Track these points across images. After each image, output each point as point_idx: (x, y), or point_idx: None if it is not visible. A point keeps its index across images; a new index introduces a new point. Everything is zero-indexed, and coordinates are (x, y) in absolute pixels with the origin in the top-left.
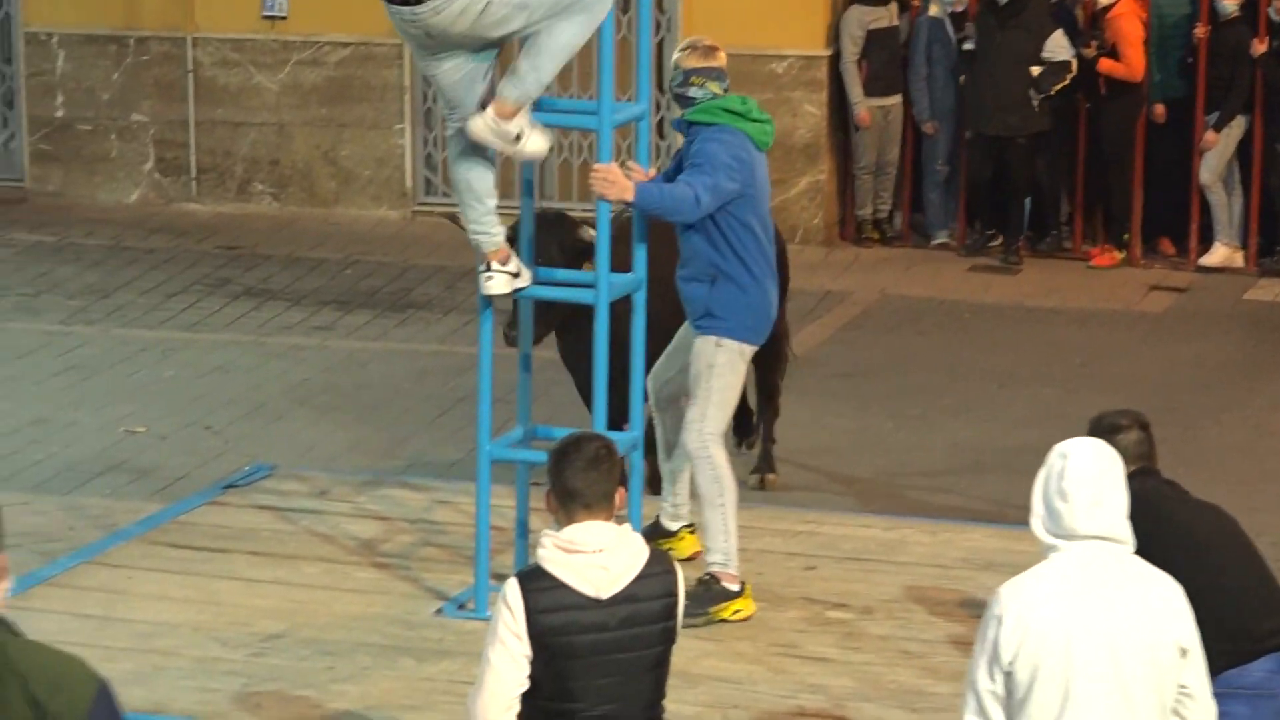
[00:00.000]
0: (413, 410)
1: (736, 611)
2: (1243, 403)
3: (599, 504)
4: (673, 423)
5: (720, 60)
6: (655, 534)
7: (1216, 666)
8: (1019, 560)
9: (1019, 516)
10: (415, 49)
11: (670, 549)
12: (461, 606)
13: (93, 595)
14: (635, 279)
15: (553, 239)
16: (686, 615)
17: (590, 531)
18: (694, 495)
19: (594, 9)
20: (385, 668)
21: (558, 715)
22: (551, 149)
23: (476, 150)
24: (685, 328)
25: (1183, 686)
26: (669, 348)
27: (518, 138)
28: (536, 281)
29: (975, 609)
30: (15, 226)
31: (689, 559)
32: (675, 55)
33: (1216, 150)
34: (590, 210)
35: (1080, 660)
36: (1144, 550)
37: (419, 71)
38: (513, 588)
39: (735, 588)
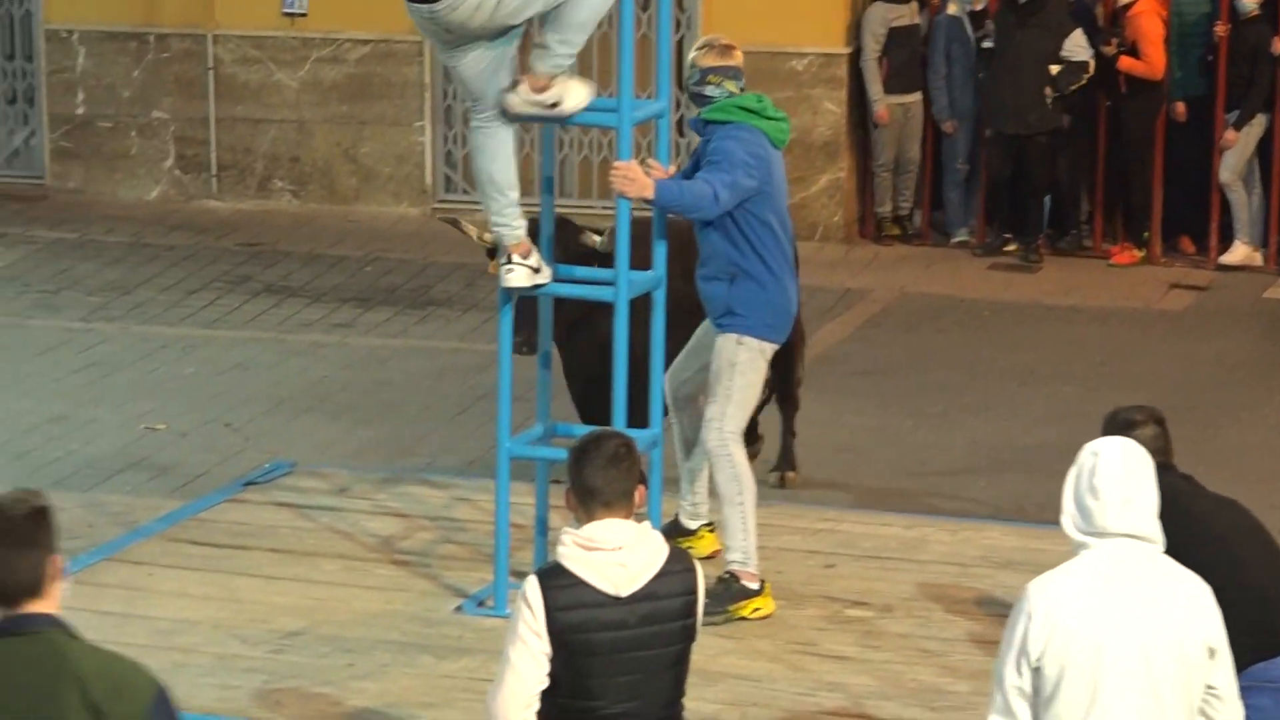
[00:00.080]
0: (432, 407)
1: (756, 610)
2: (1263, 401)
3: (619, 502)
4: (690, 421)
5: (737, 59)
6: (674, 532)
7: (1241, 661)
8: (1038, 559)
9: (1039, 515)
10: (436, 43)
11: (689, 547)
12: (481, 604)
13: (113, 592)
14: (655, 276)
15: (556, 243)
16: (706, 613)
17: (610, 529)
18: (713, 494)
19: None
20: (405, 665)
21: (578, 713)
22: (571, 146)
23: (498, 143)
24: (704, 327)
25: (1210, 687)
26: (687, 346)
27: (556, 104)
28: (556, 279)
29: (994, 607)
30: (36, 223)
31: (708, 557)
32: (692, 54)
33: (1236, 149)
34: (610, 208)
35: (1110, 658)
36: (1165, 546)
37: (439, 67)
38: (532, 585)
39: (755, 586)
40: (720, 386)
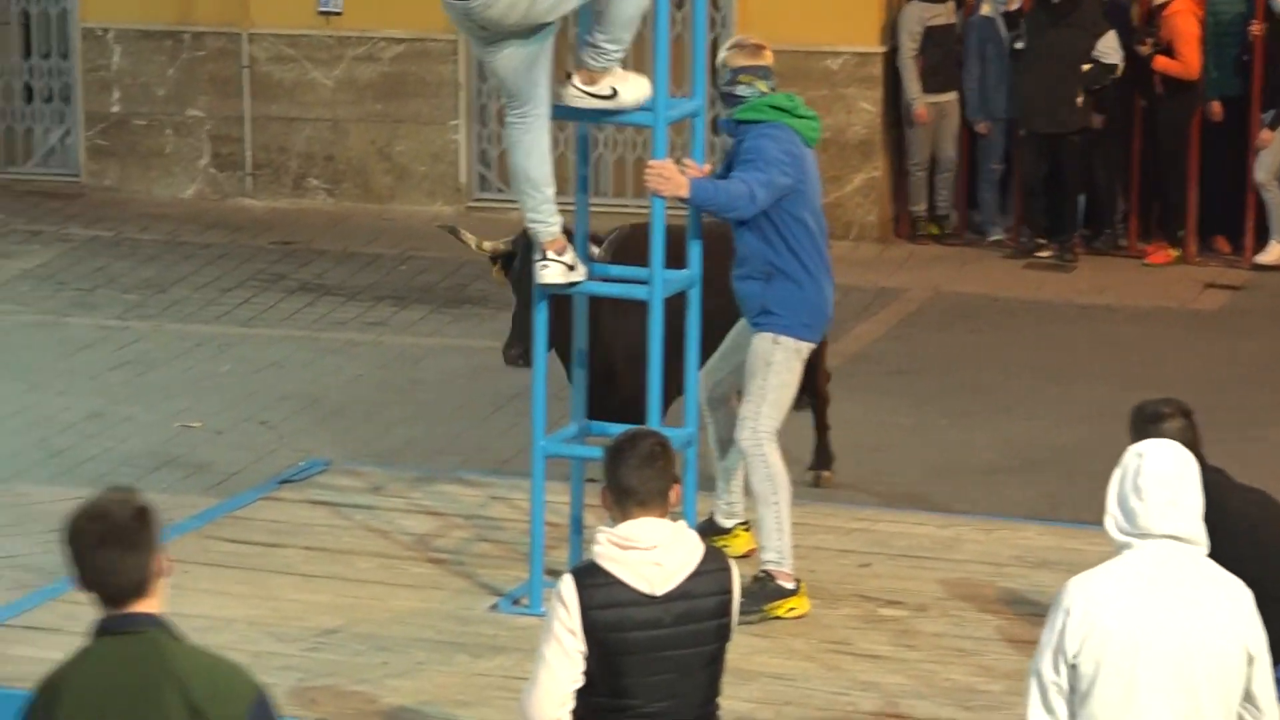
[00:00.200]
0: (467, 406)
1: (791, 609)
2: None
3: (654, 501)
4: (726, 421)
5: (767, 58)
6: (709, 531)
7: (1276, 653)
8: (1073, 558)
9: (1073, 514)
10: (471, 39)
11: (724, 546)
12: (516, 602)
13: None
14: (690, 275)
15: None
16: (741, 612)
17: (645, 528)
18: (748, 492)
19: None
20: (440, 663)
21: (613, 712)
22: (605, 145)
23: (533, 139)
24: (739, 327)
25: (1248, 694)
26: (722, 346)
27: (612, 95)
28: (591, 277)
29: (1029, 607)
30: (72, 221)
31: (743, 556)
32: (722, 54)
33: (1272, 148)
34: (644, 207)
35: (1146, 658)
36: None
37: (474, 66)
38: (567, 584)
39: (790, 586)
40: (754, 385)
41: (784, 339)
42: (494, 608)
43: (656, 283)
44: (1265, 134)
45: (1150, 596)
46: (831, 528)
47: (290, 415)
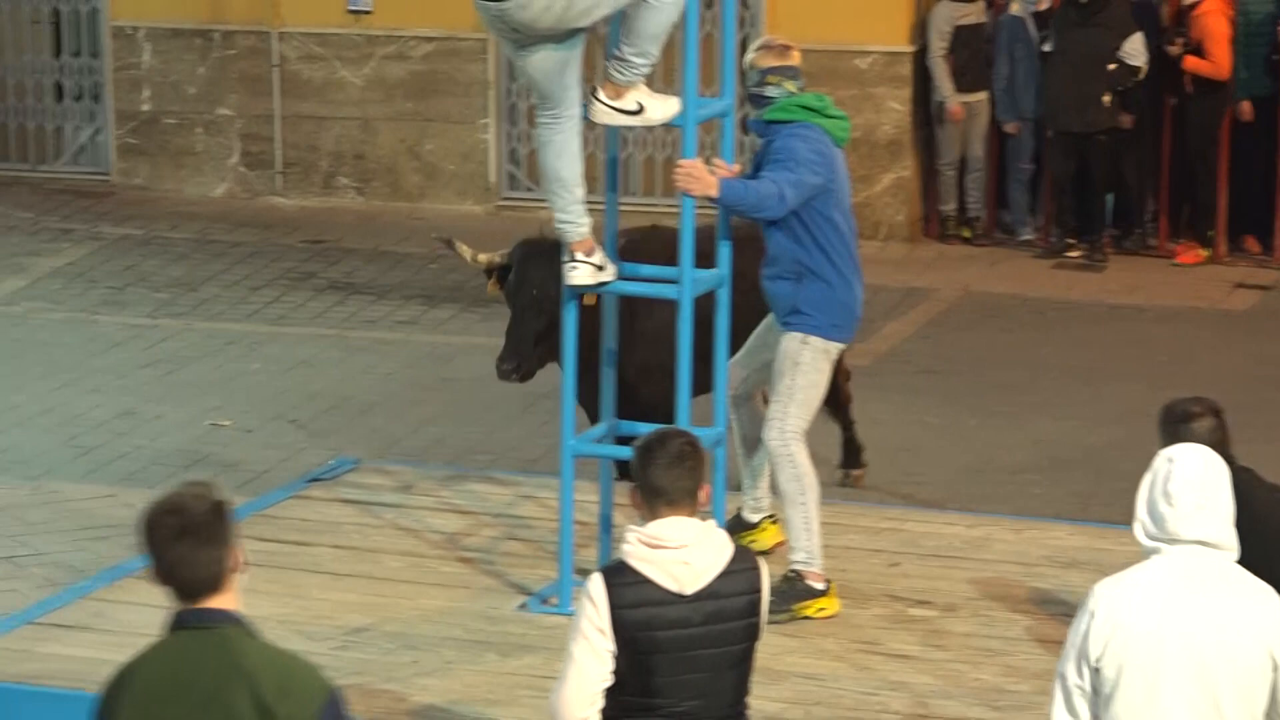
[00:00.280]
0: (496, 405)
1: (820, 610)
2: None
3: (683, 500)
4: (750, 419)
5: (795, 59)
6: (737, 526)
7: None
8: (1103, 559)
9: (1103, 514)
10: (504, 42)
11: (752, 540)
12: (545, 601)
13: None
14: (719, 275)
15: (549, 269)
16: (770, 611)
17: (674, 527)
18: (774, 490)
19: None
20: (469, 662)
21: (641, 711)
22: (635, 145)
23: (564, 139)
24: (765, 325)
25: (1275, 699)
26: (746, 345)
27: (638, 110)
28: (621, 277)
29: (1058, 607)
30: (102, 220)
31: (771, 550)
32: (749, 55)
33: None
34: (673, 206)
35: (1168, 663)
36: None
37: (504, 65)
38: (596, 582)
39: (820, 586)
40: (782, 385)
41: (813, 339)
42: (523, 607)
43: (686, 282)
44: None
45: (1175, 601)
46: (861, 527)
47: (320, 414)
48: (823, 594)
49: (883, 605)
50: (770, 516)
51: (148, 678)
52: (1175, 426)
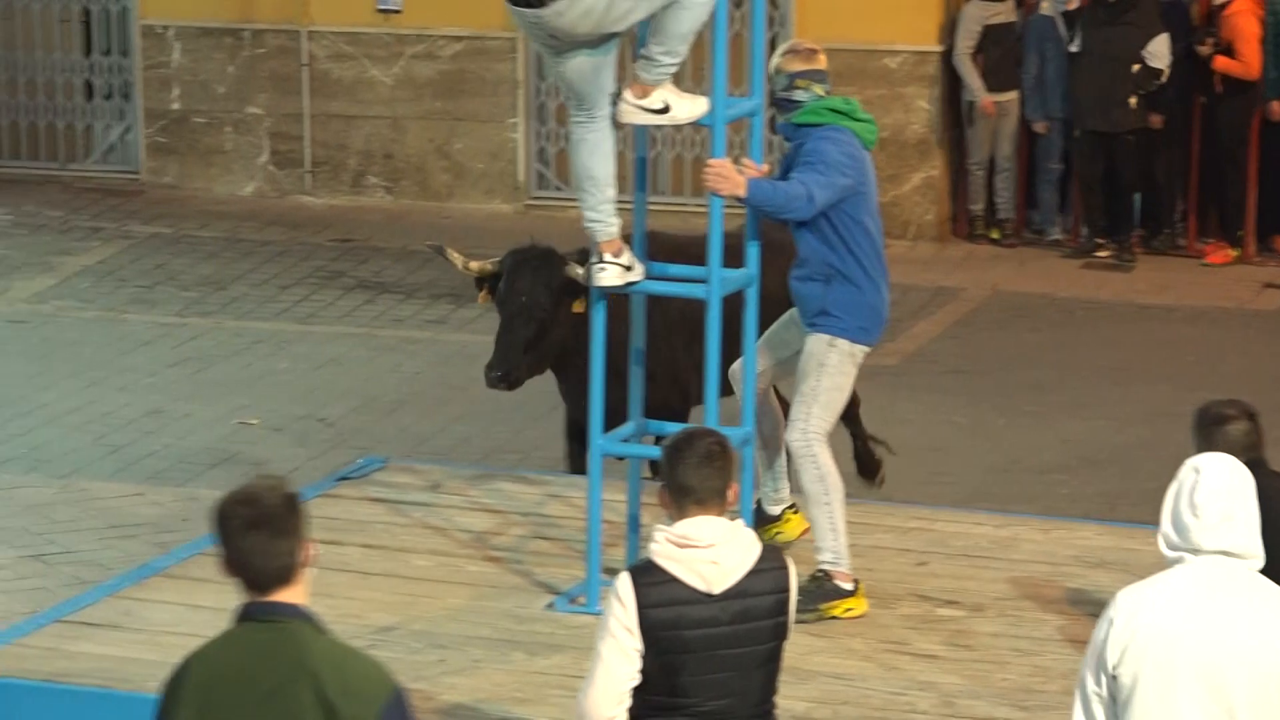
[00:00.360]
0: (525, 404)
1: (848, 610)
2: None
3: (712, 500)
4: (764, 414)
5: (821, 62)
6: (760, 521)
7: None
8: (1131, 559)
9: (1132, 514)
10: (540, 47)
11: (778, 532)
12: (573, 601)
13: (207, 586)
14: (747, 275)
15: (539, 277)
16: (798, 611)
17: (702, 526)
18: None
19: None
20: (496, 661)
21: (669, 710)
22: (664, 144)
23: (599, 138)
24: (781, 323)
25: None
26: (759, 342)
27: (664, 109)
28: (648, 277)
29: (1086, 607)
30: (132, 218)
31: (797, 539)
32: (775, 60)
33: None
34: (701, 206)
35: (1183, 671)
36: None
37: (533, 64)
38: (624, 582)
39: (848, 586)
40: (807, 385)
41: (840, 341)
42: (551, 606)
43: (715, 282)
44: None
45: (1193, 610)
46: (889, 527)
47: (348, 412)
48: (850, 594)
49: (911, 605)
50: (791, 506)
51: (211, 669)
52: (1210, 429)
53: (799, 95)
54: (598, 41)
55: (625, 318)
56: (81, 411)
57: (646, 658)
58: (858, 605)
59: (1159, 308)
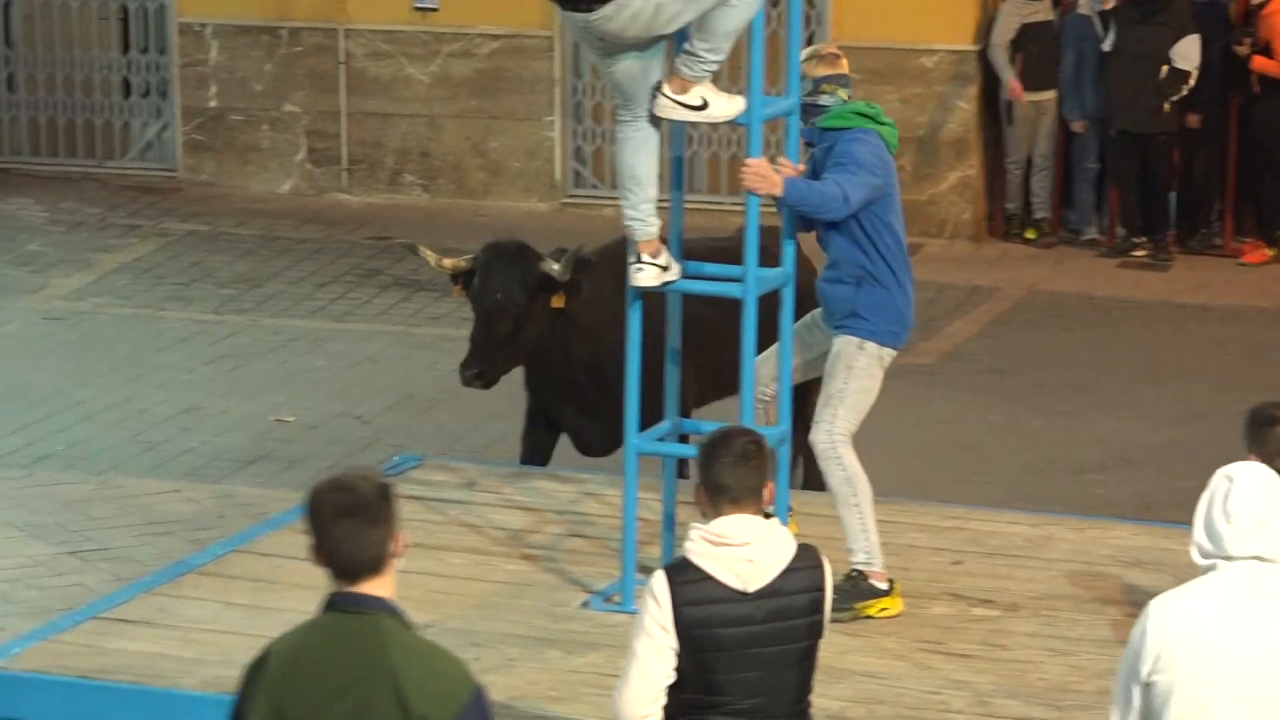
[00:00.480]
0: None
1: (883, 609)
2: None
3: (747, 498)
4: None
5: (844, 67)
6: None
7: None
8: (1167, 558)
9: (1167, 514)
10: (590, 50)
11: None
12: (608, 599)
13: (242, 584)
14: (783, 274)
15: (513, 273)
16: (833, 610)
17: (737, 524)
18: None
19: None
20: (531, 659)
21: (704, 709)
22: (700, 143)
23: (644, 138)
24: (802, 327)
25: None
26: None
27: (702, 106)
28: (685, 276)
29: (1122, 607)
30: (169, 216)
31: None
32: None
33: None
34: (738, 204)
35: (1219, 678)
36: None
37: (570, 62)
38: (659, 580)
39: (883, 586)
40: (834, 387)
41: (869, 345)
42: (586, 604)
43: (750, 281)
44: None
45: (1226, 615)
46: (924, 526)
47: (384, 410)
48: (885, 593)
49: (945, 604)
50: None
51: (291, 655)
52: (1261, 430)
53: (825, 100)
54: (646, 44)
55: (600, 329)
56: (118, 408)
57: (681, 656)
58: (893, 605)
59: (1195, 307)
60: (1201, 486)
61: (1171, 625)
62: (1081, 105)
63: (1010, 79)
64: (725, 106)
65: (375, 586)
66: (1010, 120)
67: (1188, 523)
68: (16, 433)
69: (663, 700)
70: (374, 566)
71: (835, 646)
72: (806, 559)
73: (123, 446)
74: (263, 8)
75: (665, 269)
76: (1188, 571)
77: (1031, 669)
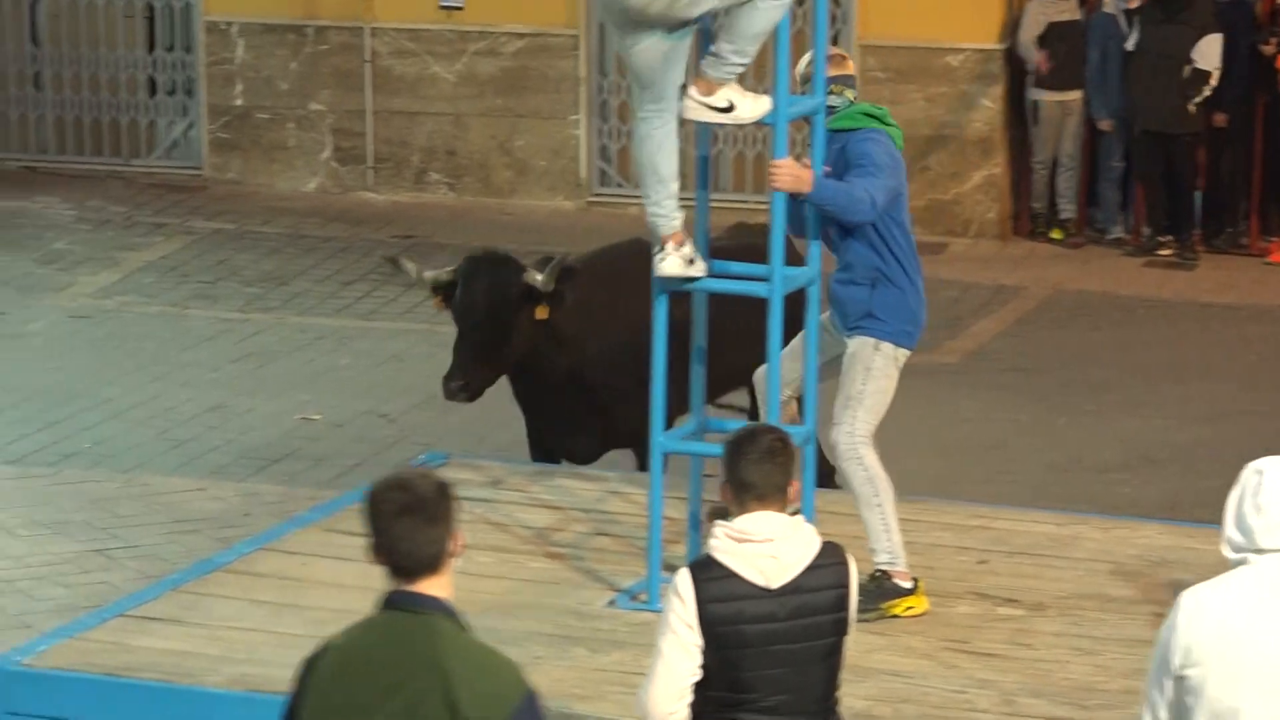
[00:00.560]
0: None
1: (909, 609)
2: None
3: (772, 496)
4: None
5: (850, 68)
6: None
7: None
8: (1193, 558)
9: (1193, 513)
10: (612, 26)
11: None
12: (634, 598)
13: (268, 582)
14: (810, 273)
15: (496, 284)
16: (859, 610)
17: (761, 521)
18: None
19: None
20: (557, 657)
21: (730, 706)
22: (725, 141)
23: (664, 133)
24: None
25: None
26: (788, 349)
27: (729, 108)
28: (711, 274)
29: (1148, 606)
30: (195, 214)
31: None
32: (803, 67)
33: None
34: (762, 203)
35: (1248, 671)
36: None
37: (595, 61)
38: (684, 577)
39: (908, 585)
40: (853, 389)
41: (885, 345)
42: (612, 603)
43: (776, 280)
44: None
45: (1257, 608)
46: (949, 525)
47: (410, 408)
48: (910, 592)
49: (970, 603)
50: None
51: (345, 651)
52: None
53: (833, 101)
54: (670, 28)
55: (583, 339)
56: (145, 406)
57: (707, 653)
58: (918, 603)
59: (1221, 306)
60: (1227, 485)
61: (1202, 618)
62: (1108, 104)
63: (1038, 56)
64: (751, 107)
65: (432, 586)
66: (1036, 120)
67: (1214, 522)
68: (43, 430)
69: (689, 697)
70: (432, 565)
71: (861, 645)
72: (831, 556)
73: (149, 444)
74: (289, 6)
75: (691, 262)
76: (1214, 571)
77: (1057, 668)
